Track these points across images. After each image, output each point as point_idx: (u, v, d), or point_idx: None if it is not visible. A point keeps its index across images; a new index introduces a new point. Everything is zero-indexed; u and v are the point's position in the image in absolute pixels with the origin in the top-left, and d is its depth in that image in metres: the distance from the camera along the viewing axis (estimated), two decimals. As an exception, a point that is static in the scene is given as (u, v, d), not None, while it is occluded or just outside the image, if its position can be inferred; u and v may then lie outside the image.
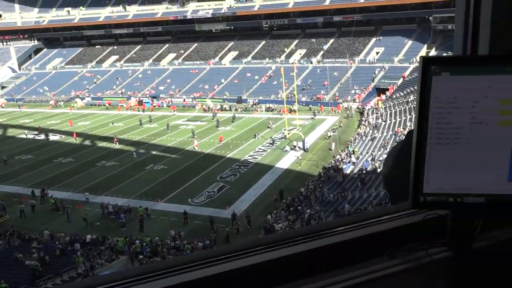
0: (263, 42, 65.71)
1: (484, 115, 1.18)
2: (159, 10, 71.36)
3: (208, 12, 67.80)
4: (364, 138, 36.18)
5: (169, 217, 25.33)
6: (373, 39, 59.07)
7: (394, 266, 1.31)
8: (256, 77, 57.53)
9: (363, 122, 40.25)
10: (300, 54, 60.96)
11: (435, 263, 1.28)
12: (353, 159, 31.49)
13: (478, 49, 1.46)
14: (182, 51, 68.78)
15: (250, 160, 33.51)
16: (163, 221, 25.05)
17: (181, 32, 72.09)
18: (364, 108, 44.66)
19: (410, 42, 55.95)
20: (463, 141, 1.20)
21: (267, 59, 60.97)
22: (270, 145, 36.45)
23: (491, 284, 1.25)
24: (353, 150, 32.85)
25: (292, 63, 55.54)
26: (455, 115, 1.19)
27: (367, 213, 1.56)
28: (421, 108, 1.19)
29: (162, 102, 56.32)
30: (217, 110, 50.04)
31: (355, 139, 36.36)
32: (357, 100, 47.82)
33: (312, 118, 44.07)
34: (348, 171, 30.01)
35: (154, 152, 36.78)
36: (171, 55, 68.76)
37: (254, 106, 50.82)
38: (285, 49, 62.20)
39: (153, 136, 41.70)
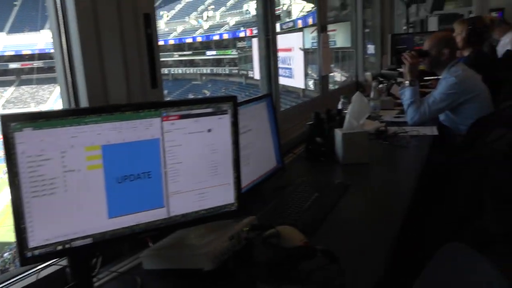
0: None
1: (74, 163, 1.27)
2: None
3: None
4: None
5: None
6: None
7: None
8: None
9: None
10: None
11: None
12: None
13: (80, 103, 1.58)
14: None
15: None
16: None
17: None
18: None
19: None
20: (60, 189, 1.26)
21: None
22: None
23: None
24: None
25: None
26: (47, 167, 1.24)
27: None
28: (9, 164, 1.18)
29: None
30: None
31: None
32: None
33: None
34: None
35: None
36: None
37: None
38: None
39: None
